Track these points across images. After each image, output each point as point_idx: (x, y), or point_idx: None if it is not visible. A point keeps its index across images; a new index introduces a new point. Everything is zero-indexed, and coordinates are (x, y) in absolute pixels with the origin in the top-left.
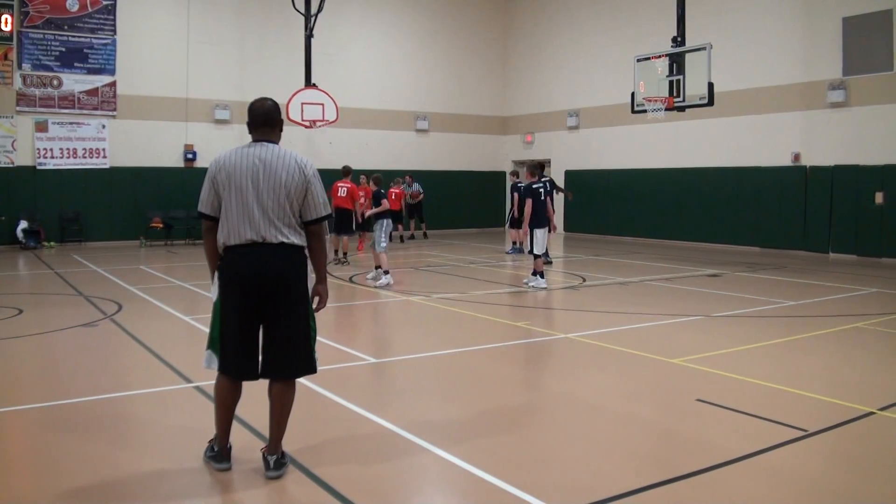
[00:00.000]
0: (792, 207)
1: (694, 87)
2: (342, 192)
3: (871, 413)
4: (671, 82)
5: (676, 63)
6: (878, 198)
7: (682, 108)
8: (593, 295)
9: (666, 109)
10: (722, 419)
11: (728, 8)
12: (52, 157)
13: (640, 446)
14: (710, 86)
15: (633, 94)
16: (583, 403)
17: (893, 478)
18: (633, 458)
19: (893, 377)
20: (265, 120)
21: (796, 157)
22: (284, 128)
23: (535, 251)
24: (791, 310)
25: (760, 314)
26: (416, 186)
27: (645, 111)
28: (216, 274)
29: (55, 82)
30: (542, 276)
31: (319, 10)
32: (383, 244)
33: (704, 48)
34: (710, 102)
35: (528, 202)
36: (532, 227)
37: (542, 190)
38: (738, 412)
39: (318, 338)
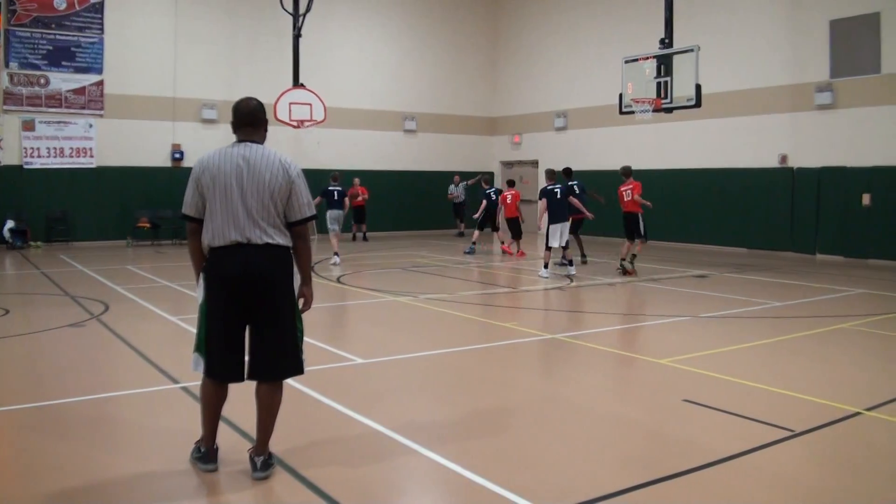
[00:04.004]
0: (779, 209)
1: (681, 89)
2: (509, 200)
3: (858, 413)
4: (659, 84)
5: (664, 64)
6: (865, 199)
7: (669, 110)
8: (581, 295)
9: (653, 111)
10: (709, 419)
11: (716, 10)
12: (39, 157)
13: (627, 447)
14: (698, 87)
15: (620, 96)
16: (570, 404)
17: (880, 477)
18: (620, 458)
19: (880, 377)
20: (249, 120)
21: (783, 158)
22: (272, 128)
23: (550, 244)
24: (778, 310)
25: (747, 315)
26: (461, 187)
27: (633, 112)
28: (201, 275)
29: (42, 81)
30: (546, 267)
31: (308, 9)
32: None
33: (692, 50)
34: (698, 104)
35: (543, 201)
36: (548, 223)
37: (556, 190)
38: (725, 412)
39: (305, 338)
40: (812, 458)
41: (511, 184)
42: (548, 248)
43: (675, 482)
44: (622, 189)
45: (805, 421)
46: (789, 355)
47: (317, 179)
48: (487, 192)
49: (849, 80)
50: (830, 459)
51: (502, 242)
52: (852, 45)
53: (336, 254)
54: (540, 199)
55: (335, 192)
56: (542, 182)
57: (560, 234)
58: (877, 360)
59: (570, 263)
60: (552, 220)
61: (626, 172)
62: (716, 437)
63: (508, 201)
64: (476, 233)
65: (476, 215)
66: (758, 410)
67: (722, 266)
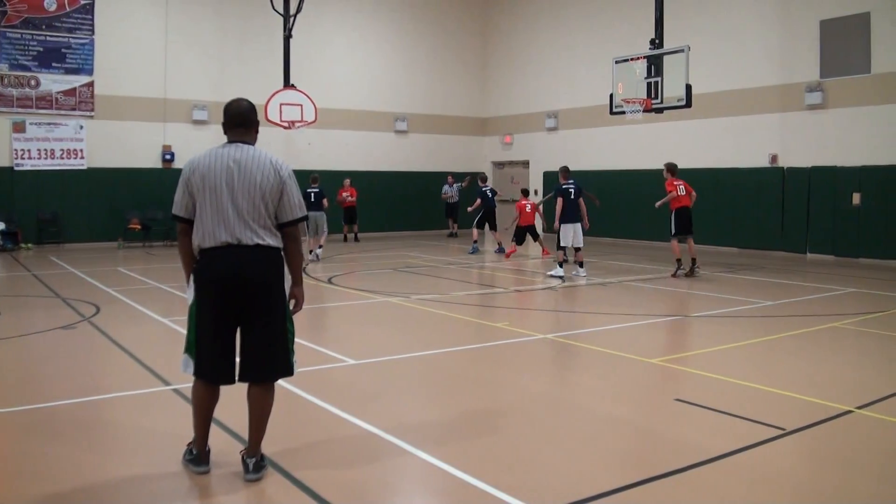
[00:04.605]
0: (770, 208)
1: (672, 89)
2: (528, 209)
3: (850, 411)
4: (649, 84)
5: (654, 65)
6: (856, 199)
7: (660, 110)
8: (572, 296)
9: (644, 111)
10: (700, 419)
11: (706, 10)
12: (30, 158)
13: (619, 446)
14: (688, 88)
15: (611, 96)
16: (562, 404)
17: (871, 475)
18: (613, 457)
19: (871, 376)
20: (240, 120)
21: (774, 158)
22: (263, 129)
23: (563, 243)
24: (769, 310)
25: (738, 314)
26: (455, 187)
27: (623, 113)
28: (191, 277)
29: (33, 82)
30: (560, 266)
31: (298, 10)
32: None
33: (682, 50)
34: (688, 104)
35: (560, 200)
36: (560, 222)
37: (571, 189)
38: (717, 411)
39: (296, 339)
40: (804, 456)
41: (526, 193)
42: (559, 248)
43: (667, 481)
44: (678, 183)
45: (797, 419)
46: (781, 354)
47: (308, 180)
48: (483, 190)
49: (839, 79)
50: (822, 458)
51: (499, 244)
52: (842, 45)
53: (311, 251)
54: (555, 197)
55: (311, 195)
56: (535, 183)
57: (573, 234)
58: (868, 358)
59: (581, 266)
60: (564, 220)
61: (676, 169)
62: (708, 436)
63: (528, 210)
64: (475, 231)
65: (470, 209)
66: (749, 409)
67: (712, 265)
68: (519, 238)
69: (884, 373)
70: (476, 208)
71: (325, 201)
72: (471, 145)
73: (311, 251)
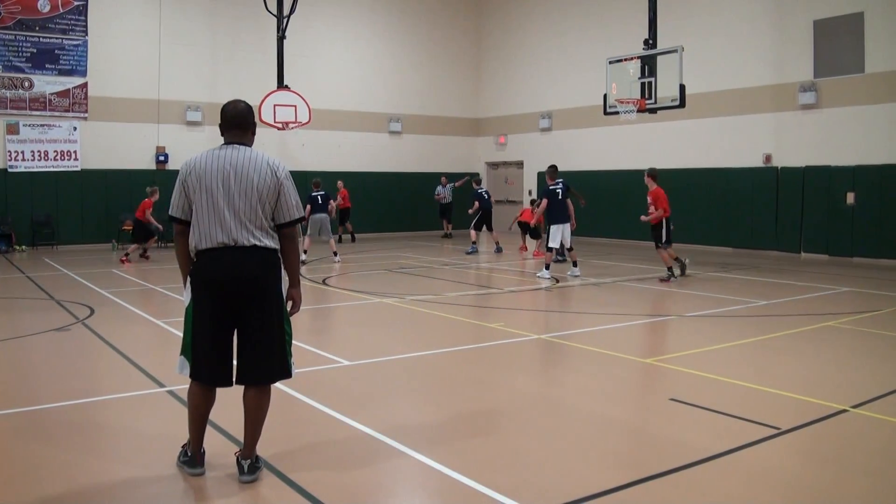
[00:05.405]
0: (764, 208)
1: (666, 89)
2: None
3: (844, 411)
4: (643, 84)
5: (648, 65)
6: (849, 198)
7: (653, 110)
8: (567, 296)
9: (638, 111)
10: (695, 418)
11: (700, 11)
12: (24, 160)
13: (614, 446)
14: (682, 88)
15: (605, 96)
16: (557, 404)
17: (866, 474)
18: (607, 458)
19: (866, 375)
20: (237, 122)
21: (768, 158)
22: (257, 130)
23: (549, 244)
24: (763, 309)
25: (733, 314)
26: (448, 188)
27: (617, 113)
28: (188, 278)
29: (26, 84)
30: (546, 268)
31: (292, 11)
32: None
33: (676, 51)
34: (682, 104)
35: (544, 201)
36: (548, 223)
37: (558, 190)
38: (712, 411)
39: (292, 341)
40: (799, 455)
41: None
42: (549, 250)
43: (661, 481)
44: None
45: (791, 419)
46: (775, 353)
47: (303, 181)
48: (479, 192)
49: (832, 79)
50: (817, 457)
51: (497, 243)
52: (836, 45)
53: (304, 251)
54: (541, 198)
55: (318, 197)
56: (529, 183)
57: (562, 234)
58: (862, 357)
59: (575, 265)
60: (553, 221)
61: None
62: (702, 436)
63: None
64: (473, 233)
65: (471, 211)
66: (744, 409)
67: (707, 265)
68: (524, 232)
69: (878, 372)
70: (476, 211)
71: (331, 203)
72: (465, 146)
73: (304, 251)
